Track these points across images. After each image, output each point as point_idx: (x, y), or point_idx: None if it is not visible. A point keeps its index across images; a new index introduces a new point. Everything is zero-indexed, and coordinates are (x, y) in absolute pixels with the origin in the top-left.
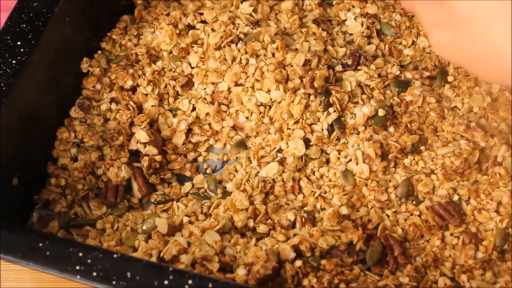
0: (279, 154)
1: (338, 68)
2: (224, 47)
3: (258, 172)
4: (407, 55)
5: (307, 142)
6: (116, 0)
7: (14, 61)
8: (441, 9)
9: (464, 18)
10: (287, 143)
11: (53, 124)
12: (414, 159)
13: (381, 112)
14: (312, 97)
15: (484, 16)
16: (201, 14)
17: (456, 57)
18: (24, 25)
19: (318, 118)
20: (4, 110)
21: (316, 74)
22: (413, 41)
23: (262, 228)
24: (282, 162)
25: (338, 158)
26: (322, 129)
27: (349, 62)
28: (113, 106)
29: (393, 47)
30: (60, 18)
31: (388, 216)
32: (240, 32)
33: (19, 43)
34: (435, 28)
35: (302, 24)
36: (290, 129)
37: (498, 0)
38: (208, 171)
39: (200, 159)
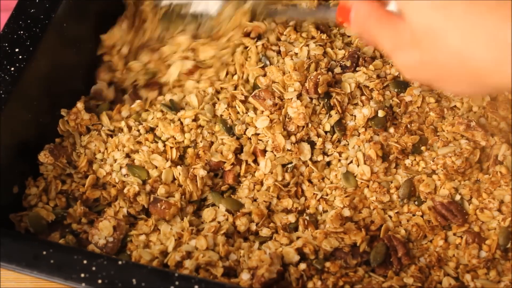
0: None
1: (337, 70)
2: None
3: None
4: None
5: (311, 145)
6: (114, 2)
7: (12, 68)
8: (400, 31)
9: (423, 34)
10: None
11: (52, 131)
12: (415, 159)
13: (381, 113)
14: (314, 101)
15: (441, 26)
16: None
17: (425, 75)
18: (21, 32)
19: (320, 121)
20: (3, 118)
21: (319, 79)
22: None
23: (265, 232)
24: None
25: (339, 160)
26: (326, 132)
27: (348, 64)
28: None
29: None
30: (58, 23)
31: (390, 217)
32: None
33: (17, 50)
34: (398, 51)
35: (300, 29)
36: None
37: (453, 7)
38: None
39: None
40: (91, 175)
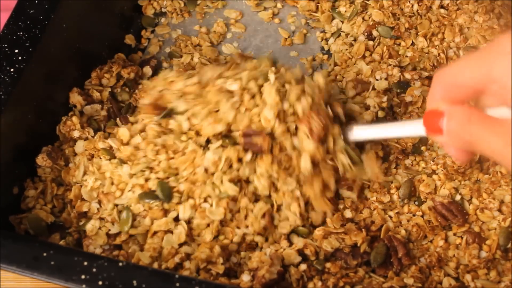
0: None
1: None
2: None
3: None
4: (406, 56)
5: None
6: (113, 4)
7: (12, 70)
8: None
9: None
10: None
11: (52, 133)
12: (415, 159)
13: (381, 113)
14: None
15: None
16: None
17: None
18: (21, 33)
19: None
20: (3, 120)
21: None
22: (412, 42)
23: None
24: None
25: None
26: None
27: None
28: None
29: (392, 48)
30: (58, 24)
31: (391, 217)
32: None
33: (16, 51)
34: None
35: None
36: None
37: None
38: None
39: None
40: (74, 186)
